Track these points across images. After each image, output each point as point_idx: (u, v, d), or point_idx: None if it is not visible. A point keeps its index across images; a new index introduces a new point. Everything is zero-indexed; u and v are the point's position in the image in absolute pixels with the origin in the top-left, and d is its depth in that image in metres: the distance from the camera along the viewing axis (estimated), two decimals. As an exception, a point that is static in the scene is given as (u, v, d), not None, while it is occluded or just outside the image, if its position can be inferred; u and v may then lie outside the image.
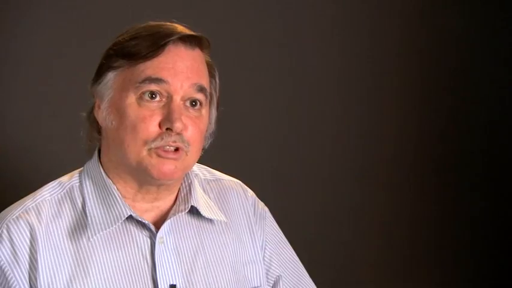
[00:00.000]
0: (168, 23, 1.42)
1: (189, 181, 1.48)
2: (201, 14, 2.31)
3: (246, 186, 1.61)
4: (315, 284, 1.67)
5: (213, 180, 1.57)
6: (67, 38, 2.15)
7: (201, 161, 1.47)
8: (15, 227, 1.36)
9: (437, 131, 2.81)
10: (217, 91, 1.47)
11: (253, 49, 2.48)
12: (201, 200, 1.48)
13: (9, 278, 1.34)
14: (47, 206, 1.40)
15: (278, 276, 1.57)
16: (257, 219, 1.57)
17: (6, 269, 1.34)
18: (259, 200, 1.61)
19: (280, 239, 1.61)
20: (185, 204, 1.45)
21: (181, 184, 1.47)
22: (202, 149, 1.45)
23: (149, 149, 1.35)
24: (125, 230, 1.39)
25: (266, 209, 1.61)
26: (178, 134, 1.35)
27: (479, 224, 2.89)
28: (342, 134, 2.65)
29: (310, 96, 2.59)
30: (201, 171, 1.57)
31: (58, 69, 2.14)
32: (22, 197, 1.45)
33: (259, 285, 1.52)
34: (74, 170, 1.50)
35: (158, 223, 1.42)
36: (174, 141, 1.35)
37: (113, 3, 2.21)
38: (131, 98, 1.36)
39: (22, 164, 2.13)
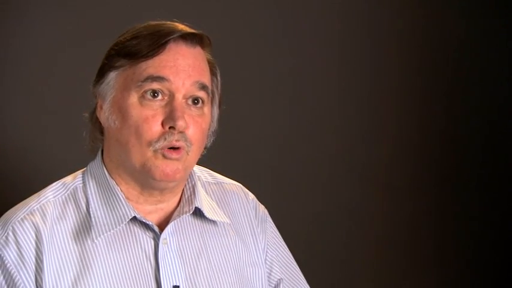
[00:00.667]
0: (169, 22, 1.42)
1: (193, 183, 1.48)
2: (202, 13, 2.31)
3: (246, 190, 1.61)
4: (315, 283, 1.68)
5: (214, 183, 1.56)
6: (68, 38, 2.15)
7: (201, 160, 1.47)
8: (21, 229, 1.36)
9: (437, 132, 2.81)
10: (219, 89, 1.47)
11: (253, 48, 2.48)
12: (204, 201, 1.48)
13: (15, 280, 1.34)
14: (52, 207, 1.40)
15: (279, 279, 1.57)
16: (258, 223, 1.57)
17: (12, 271, 1.34)
18: (260, 203, 1.61)
19: (280, 242, 1.62)
20: (189, 206, 1.45)
21: (185, 186, 1.47)
22: (205, 148, 1.45)
23: (154, 150, 1.35)
24: (128, 231, 1.39)
25: (266, 212, 1.61)
26: (181, 132, 1.35)
27: (479, 224, 2.89)
28: (342, 135, 2.65)
29: (311, 96, 2.59)
30: (203, 173, 1.57)
31: (59, 69, 2.14)
32: (23, 198, 1.45)
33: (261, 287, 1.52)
34: (75, 170, 1.49)
35: (162, 224, 1.42)
36: (177, 140, 1.35)
37: (114, 3, 2.20)
38: (133, 98, 1.36)
39: (22, 164, 2.13)
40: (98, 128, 1.44)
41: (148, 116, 1.35)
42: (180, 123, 1.34)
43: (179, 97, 1.36)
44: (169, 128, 1.34)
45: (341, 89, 2.65)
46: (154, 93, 1.35)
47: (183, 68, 1.37)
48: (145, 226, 1.40)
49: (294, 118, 2.57)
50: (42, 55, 2.12)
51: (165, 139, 1.34)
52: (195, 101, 1.38)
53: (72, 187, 1.43)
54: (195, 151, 1.39)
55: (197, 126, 1.38)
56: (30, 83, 2.11)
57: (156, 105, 1.35)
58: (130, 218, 1.38)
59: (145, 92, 1.35)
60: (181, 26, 1.40)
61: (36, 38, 2.12)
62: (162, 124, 1.35)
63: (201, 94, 1.39)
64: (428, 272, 2.81)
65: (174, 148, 1.36)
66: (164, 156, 1.35)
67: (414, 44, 2.75)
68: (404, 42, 2.74)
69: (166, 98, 1.36)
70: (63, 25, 2.15)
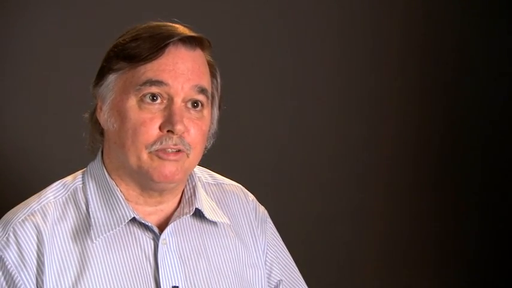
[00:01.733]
0: (169, 24, 1.41)
1: (193, 183, 1.48)
2: (202, 13, 2.31)
3: (246, 190, 1.61)
4: (315, 284, 1.68)
5: (215, 184, 1.56)
6: (68, 38, 2.15)
7: (201, 160, 1.47)
8: (22, 230, 1.36)
9: (437, 132, 2.81)
10: (219, 91, 1.47)
11: (254, 49, 2.48)
12: (205, 202, 1.48)
13: (16, 281, 1.34)
14: (52, 208, 1.40)
15: (279, 280, 1.57)
16: (258, 224, 1.57)
17: (13, 273, 1.34)
18: (260, 204, 1.61)
19: (279, 243, 1.61)
20: (190, 207, 1.44)
21: (186, 186, 1.47)
22: (205, 149, 1.45)
23: (149, 152, 1.35)
24: (128, 231, 1.39)
25: (266, 213, 1.61)
26: (179, 137, 1.35)
27: (479, 224, 2.89)
28: (342, 135, 2.66)
29: (311, 96, 2.60)
30: (203, 174, 1.56)
31: (59, 69, 2.14)
32: (23, 198, 1.45)
33: (260, 289, 1.52)
34: (75, 170, 1.49)
35: (162, 225, 1.42)
36: (175, 144, 1.35)
37: (114, 3, 2.20)
38: (132, 101, 1.36)
39: (22, 164, 2.13)
40: (98, 129, 1.44)
41: (146, 120, 1.35)
42: (179, 128, 1.34)
43: (178, 101, 1.36)
44: (168, 131, 1.34)
45: (341, 90, 2.65)
46: (153, 96, 1.35)
47: (182, 71, 1.36)
48: (145, 227, 1.40)
49: (294, 119, 2.57)
50: (43, 55, 2.13)
51: (161, 143, 1.34)
52: (195, 104, 1.38)
53: (72, 187, 1.43)
54: (195, 154, 1.39)
55: (197, 129, 1.38)
56: (30, 83, 2.12)
57: (154, 109, 1.35)
58: (129, 219, 1.38)
59: (144, 95, 1.35)
60: (181, 29, 1.39)
61: (36, 38, 2.12)
62: (160, 128, 1.35)
63: (200, 97, 1.38)
64: (429, 272, 2.81)
65: (176, 151, 1.36)
66: (159, 158, 1.35)
67: (414, 44, 2.75)
68: (404, 43, 2.74)
69: (165, 101, 1.36)
70: (63, 25, 2.15)
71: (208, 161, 1.52)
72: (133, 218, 1.39)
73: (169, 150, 1.35)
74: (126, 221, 1.38)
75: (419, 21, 2.76)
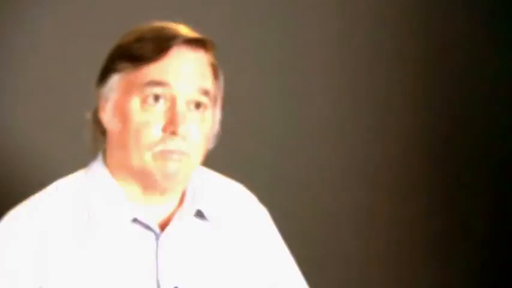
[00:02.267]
0: (173, 25, 1.42)
1: (195, 183, 1.48)
2: (203, 13, 2.31)
3: (247, 190, 1.61)
4: (316, 284, 1.68)
5: (215, 183, 1.56)
6: (69, 37, 2.15)
7: (203, 161, 1.47)
8: (23, 230, 1.36)
9: (439, 132, 2.81)
10: (221, 92, 1.47)
11: (255, 50, 2.48)
12: (206, 202, 1.48)
13: (17, 281, 1.34)
14: (53, 207, 1.40)
15: (279, 281, 1.57)
16: (259, 224, 1.57)
17: (14, 272, 1.34)
18: (261, 204, 1.61)
19: (280, 243, 1.61)
20: (191, 207, 1.45)
21: (187, 187, 1.47)
22: (206, 150, 1.45)
23: (153, 154, 1.35)
24: (129, 231, 1.40)
25: (267, 212, 1.61)
26: (182, 138, 1.35)
27: (481, 224, 2.89)
28: (343, 135, 2.65)
29: (312, 96, 2.60)
30: (204, 173, 1.56)
31: (60, 69, 2.14)
32: (23, 198, 1.44)
33: (261, 289, 1.52)
34: (75, 170, 1.49)
35: (163, 225, 1.42)
36: (178, 146, 1.35)
37: (115, 3, 2.20)
38: (135, 102, 1.36)
39: (22, 164, 2.13)
40: (100, 129, 1.44)
41: (149, 121, 1.35)
42: (182, 129, 1.34)
43: (181, 102, 1.36)
44: (170, 133, 1.35)
45: (342, 90, 2.65)
46: (156, 98, 1.36)
47: (186, 73, 1.37)
48: (146, 226, 1.40)
49: (295, 118, 2.57)
50: (44, 54, 2.13)
51: (165, 144, 1.35)
52: (197, 105, 1.39)
53: (73, 187, 1.43)
54: (197, 155, 1.40)
55: (199, 131, 1.38)
56: (30, 83, 2.12)
57: (157, 110, 1.36)
58: (131, 218, 1.39)
59: (147, 96, 1.35)
60: (185, 30, 1.40)
61: (37, 37, 2.12)
62: (163, 129, 1.35)
63: (203, 99, 1.39)
64: (430, 273, 2.81)
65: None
66: (163, 158, 1.35)
67: (416, 43, 2.75)
68: (407, 42, 2.74)
69: (168, 103, 1.36)
70: (65, 24, 2.15)
71: (209, 161, 1.52)
72: (135, 217, 1.39)
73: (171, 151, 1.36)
74: (128, 221, 1.38)
75: (421, 21, 2.76)
